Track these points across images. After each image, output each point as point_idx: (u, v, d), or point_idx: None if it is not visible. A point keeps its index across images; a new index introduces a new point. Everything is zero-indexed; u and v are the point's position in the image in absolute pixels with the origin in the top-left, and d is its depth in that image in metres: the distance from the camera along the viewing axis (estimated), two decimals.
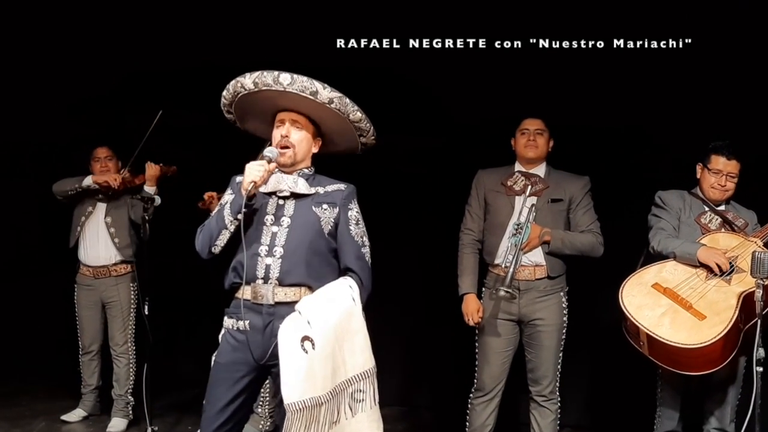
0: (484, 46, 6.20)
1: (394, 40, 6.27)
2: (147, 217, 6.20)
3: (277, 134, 4.10)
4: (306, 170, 4.14)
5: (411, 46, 6.26)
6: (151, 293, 6.20)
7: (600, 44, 6.01)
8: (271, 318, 3.93)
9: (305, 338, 3.71)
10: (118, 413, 6.47)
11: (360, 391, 3.94)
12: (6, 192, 7.43)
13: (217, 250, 4.02)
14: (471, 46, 6.22)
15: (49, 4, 6.60)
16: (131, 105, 7.08)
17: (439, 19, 6.17)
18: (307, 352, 3.69)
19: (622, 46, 5.98)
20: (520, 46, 6.15)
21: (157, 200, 6.25)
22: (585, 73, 6.12)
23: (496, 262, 5.30)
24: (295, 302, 3.90)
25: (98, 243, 6.40)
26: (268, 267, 3.95)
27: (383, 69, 6.33)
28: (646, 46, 5.96)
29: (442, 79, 6.42)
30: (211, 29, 6.51)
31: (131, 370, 6.52)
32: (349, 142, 4.24)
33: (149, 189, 6.27)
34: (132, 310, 6.48)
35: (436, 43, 6.25)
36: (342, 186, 4.15)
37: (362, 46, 6.26)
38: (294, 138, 4.07)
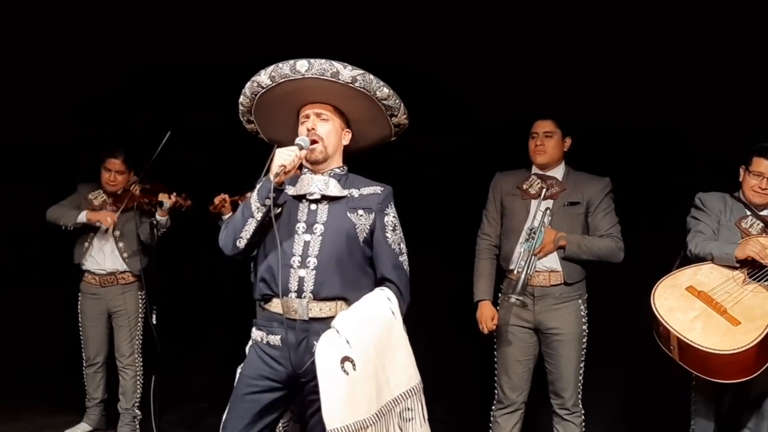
0: (508, 44, 6.21)
1: (415, 38, 6.30)
2: (155, 222, 6.26)
3: (303, 130, 4.02)
4: (338, 170, 4.08)
5: (432, 43, 6.29)
6: (160, 302, 6.23)
7: (629, 41, 6.00)
8: (306, 334, 3.89)
9: (345, 359, 3.66)
10: (125, 428, 6.52)
11: (408, 409, 3.88)
12: (8, 195, 7.43)
13: (241, 243, 3.92)
14: (495, 43, 6.24)
15: (52, 1, 6.63)
16: (138, 104, 7.13)
17: (462, 16, 6.19)
18: (348, 374, 3.65)
19: (652, 42, 5.98)
20: (545, 44, 6.16)
21: (166, 206, 6.27)
22: (613, 72, 6.12)
23: (511, 267, 5.34)
24: (331, 317, 3.86)
25: (105, 254, 6.45)
26: (301, 279, 3.89)
27: (402, 67, 6.29)
28: (676, 42, 5.95)
29: (463, 77, 6.43)
30: (222, 26, 6.50)
31: (138, 382, 6.55)
32: (381, 128, 4.17)
33: (161, 219, 6.29)
34: (139, 319, 6.52)
35: (459, 40, 6.27)
36: (378, 189, 4.09)
37: (381, 43, 6.26)
38: (321, 131, 4.00)
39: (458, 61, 6.34)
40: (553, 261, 5.28)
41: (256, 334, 4.03)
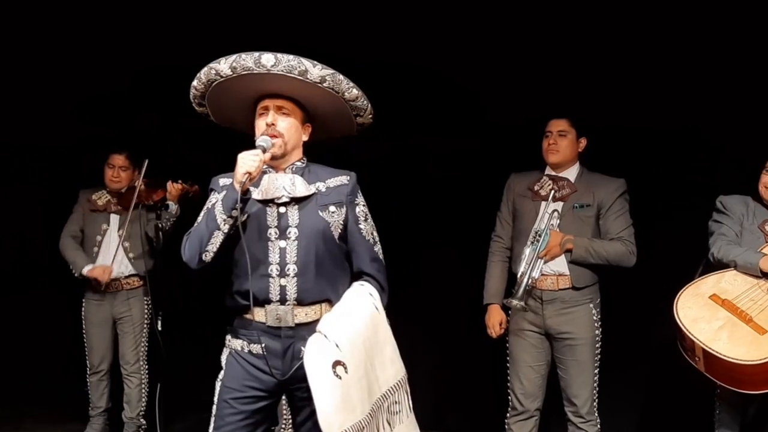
0: (524, 41, 6.21)
1: (427, 35, 6.29)
2: (161, 225, 6.29)
3: (261, 124, 3.95)
4: (299, 163, 4.03)
5: (445, 41, 6.28)
6: (165, 307, 6.26)
7: (649, 39, 5.99)
8: (292, 340, 3.90)
9: (337, 363, 3.66)
10: None
11: (396, 402, 3.95)
12: (9, 198, 7.44)
13: (208, 257, 3.85)
14: (509, 40, 6.23)
15: None
16: (143, 104, 7.13)
17: (476, 13, 6.18)
18: (340, 378, 3.64)
19: (672, 40, 5.96)
20: (563, 41, 6.16)
21: (173, 208, 6.30)
22: (633, 71, 6.12)
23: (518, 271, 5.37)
24: (316, 321, 3.85)
25: (110, 256, 6.45)
26: (283, 288, 3.88)
27: (415, 65, 6.31)
28: (698, 39, 5.92)
29: (478, 75, 6.40)
30: (230, 24, 6.48)
31: (143, 390, 6.59)
32: (344, 125, 4.15)
33: (170, 207, 6.31)
34: (145, 325, 6.55)
35: (472, 37, 6.27)
36: (345, 179, 4.06)
37: (392, 41, 6.23)
38: (281, 126, 3.93)
39: (471, 58, 6.33)
40: (560, 264, 5.32)
41: (234, 342, 4.01)
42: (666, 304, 4.85)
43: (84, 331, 6.61)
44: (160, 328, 6.19)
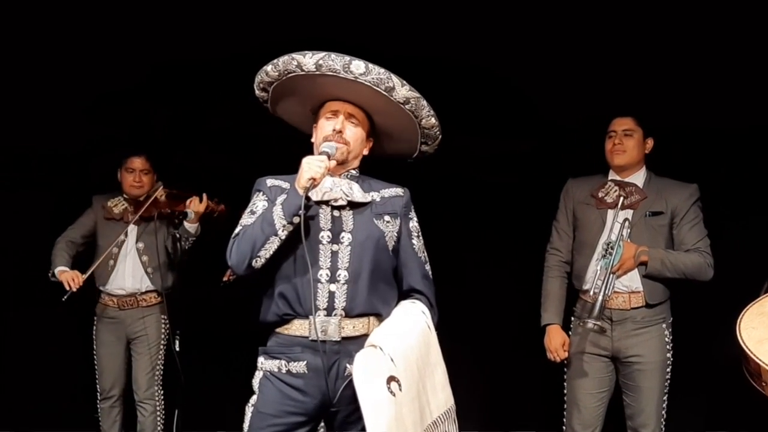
0: (581, 34, 6.21)
1: (473, 27, 6.31)
2: (179, 237, 6.35)
3: (327, 127, 4.05)
4: (354, 171, 4.13)
5: (493, 33, 6.29)
6: (184, 326, 6.32)
7: (718, 30, 5.98)
8: (337, 357, 3.92)
9: (391, 379, 3.69)
10: None
11: None
12: (13, 205, 7.37)
13: (259, 263, 3.88)
14: (566, 33, 6.24)
15: None
16: (159, 102, 7.18)
17: (528, 1, 6.21)
18: (395, 395, 3.66)
19: (743, 31, 5.95)
20: (623, 33, 6.14)
21: (191, 216, 6.35)
22: (704, 65, 6.12)
23: (585, 287, 5.39)
24: (364, 335, 3.91)
25: (126, 270, 6.51)
26: (332, 295, 3.92)
27: (458, 59, 6.34)
28: None
29: (530, 70, 6.41)
30: (254, 12, 6.50)
31: (159, 418, 6.59)
32: (406, 147, 4.28)
33: (190, 227, 6.38)
34: (161, 346, 6.56)
35: (522, 29, 6.28)
36: (400, 191, 4.17)
37: (437, 34, 6.25)
38: (349, 134, 4.05)
39: (523, 51, 6.34)
40: (633, 280, 5.31)
41: (270, 364, 4.02)
42: (731, 322, 4.77)
43: (95, 352, 6.63)
44: (177, 349, 6.23)
